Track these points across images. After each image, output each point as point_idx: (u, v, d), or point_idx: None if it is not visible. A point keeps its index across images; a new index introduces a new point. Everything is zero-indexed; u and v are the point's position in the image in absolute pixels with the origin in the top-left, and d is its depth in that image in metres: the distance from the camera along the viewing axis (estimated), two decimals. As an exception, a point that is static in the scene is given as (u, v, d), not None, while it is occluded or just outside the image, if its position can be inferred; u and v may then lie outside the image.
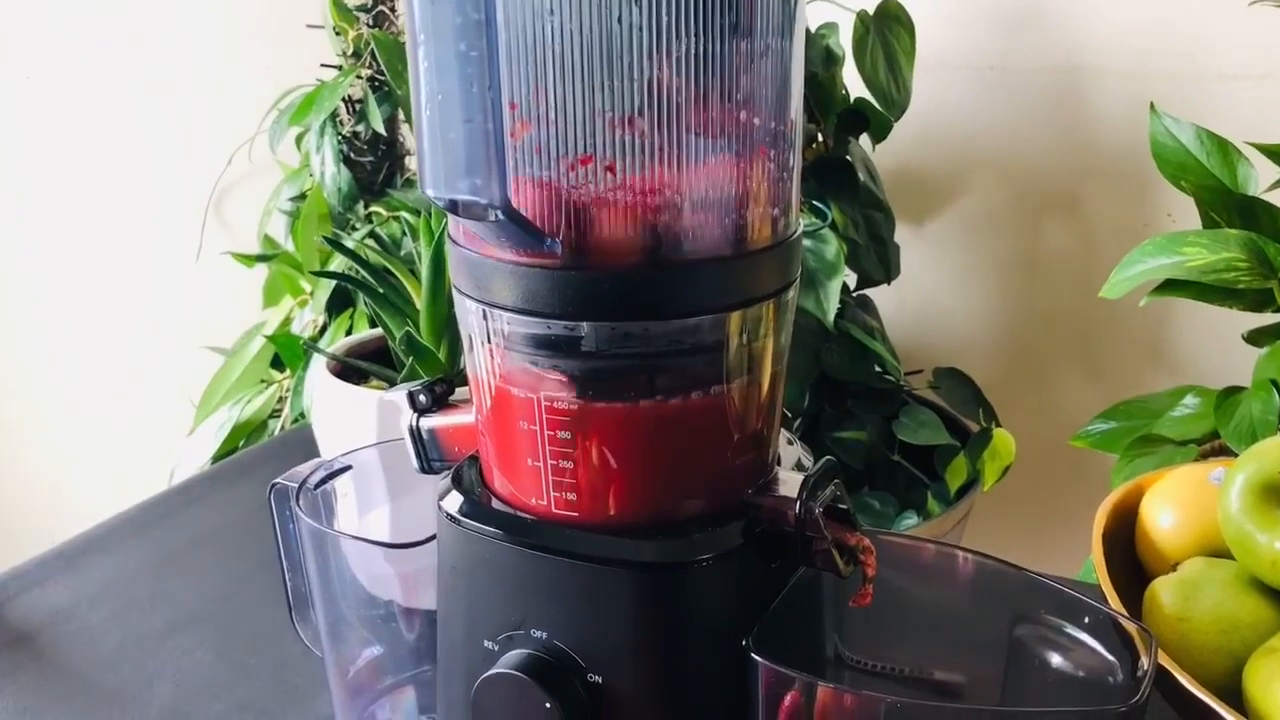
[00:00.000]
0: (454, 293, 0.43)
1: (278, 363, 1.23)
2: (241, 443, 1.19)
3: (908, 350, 1.21)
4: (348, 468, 0.58)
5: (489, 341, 0.42)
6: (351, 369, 0.71)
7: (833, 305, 0.97)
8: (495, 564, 0.44)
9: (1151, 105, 0.85)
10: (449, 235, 0.42)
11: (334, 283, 1.13)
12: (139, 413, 1.63)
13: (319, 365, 0.70)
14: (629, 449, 0.41)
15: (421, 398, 0.51)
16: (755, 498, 0.44)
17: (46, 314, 1.67)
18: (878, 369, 1.10)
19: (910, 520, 1.05)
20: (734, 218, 0.39)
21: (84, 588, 0.71)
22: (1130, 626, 0.42)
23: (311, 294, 1.22)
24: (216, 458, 1.16)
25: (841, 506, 0.44)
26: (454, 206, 0.36)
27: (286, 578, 0.58)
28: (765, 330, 0.42)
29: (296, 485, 0.54)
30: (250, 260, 1.22)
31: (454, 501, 0.45)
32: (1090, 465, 1.15)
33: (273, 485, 0.56)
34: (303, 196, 1.26)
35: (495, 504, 0.44)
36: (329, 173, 1.18)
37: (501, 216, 0.36)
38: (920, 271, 1.24)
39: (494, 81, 0.34)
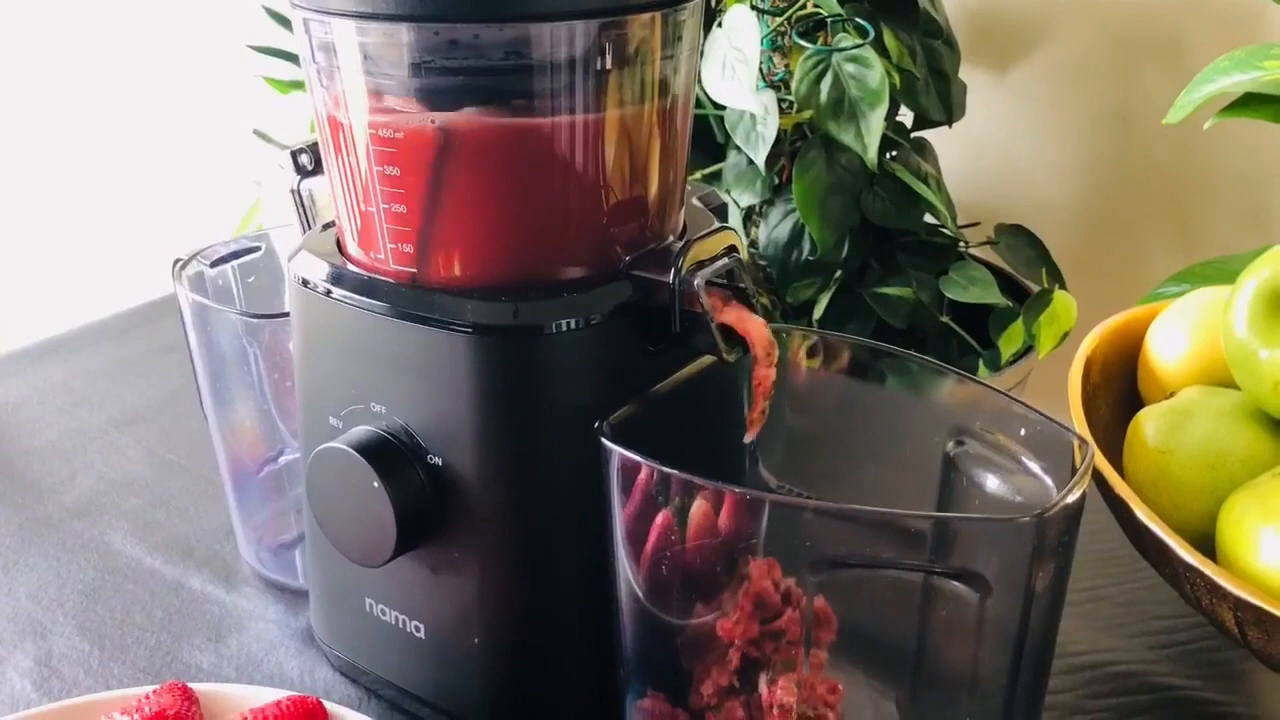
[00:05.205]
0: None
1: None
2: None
3: (970, 204, 1.11)
4: (255, 248, 0.53)
5: (314, 60, 0.36)
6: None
7: (874, 139, 0.88)
8: (335, 329, 0.38)
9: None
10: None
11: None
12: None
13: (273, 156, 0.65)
14: (464, 191, 0.35)
15: (303, 158, 0.46)
16: (635, 267, 0.37)
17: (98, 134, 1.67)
18: (931, 220, 1.00)
19: (953, 385, 0.96)
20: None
21: (40, 382, 0.69)
22: (1067, 435, 0.34)
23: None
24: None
25: (740, 285, 0.38)
26: None
27: (194, 364, 0.54)
28: (645, 56, 0.35)
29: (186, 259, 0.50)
30: (284, 87, 1.18)
31: (301, 261, 0.40)
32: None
33: (175, 261, 0.52)
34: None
35: (348, 266, 0.39)
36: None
37: None
38: (993, 119, 1.12)
39: None
